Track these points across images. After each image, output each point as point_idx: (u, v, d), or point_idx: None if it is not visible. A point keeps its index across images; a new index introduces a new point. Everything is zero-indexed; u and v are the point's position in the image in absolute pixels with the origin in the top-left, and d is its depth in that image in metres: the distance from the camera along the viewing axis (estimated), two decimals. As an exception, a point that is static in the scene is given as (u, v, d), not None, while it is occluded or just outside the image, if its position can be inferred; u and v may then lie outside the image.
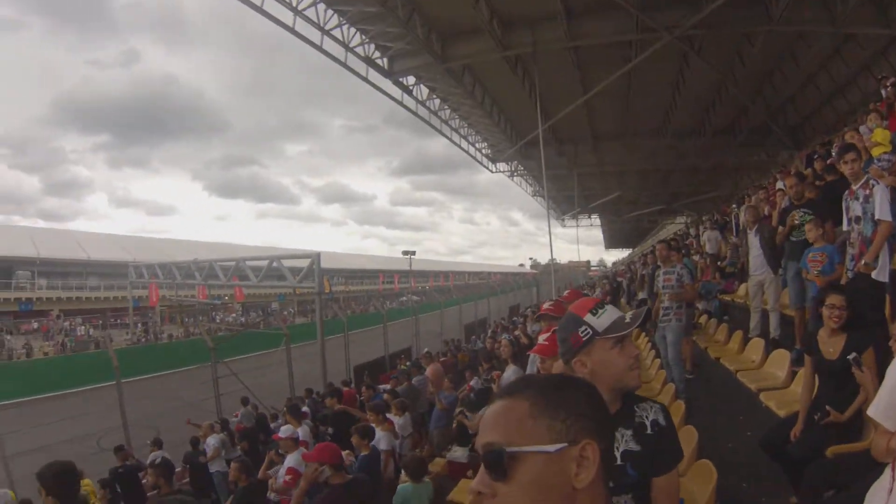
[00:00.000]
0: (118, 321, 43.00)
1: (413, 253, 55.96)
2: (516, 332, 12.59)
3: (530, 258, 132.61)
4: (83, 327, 41.59)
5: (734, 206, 15.95)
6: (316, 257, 16.87)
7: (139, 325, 41.87)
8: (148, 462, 9.26)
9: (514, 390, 0.98)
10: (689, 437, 3.78)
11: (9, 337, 36.87)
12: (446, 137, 26.08)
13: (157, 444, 10.09)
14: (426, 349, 13.36)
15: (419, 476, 5.65)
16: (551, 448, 0.88)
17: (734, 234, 11.83)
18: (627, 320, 1.84)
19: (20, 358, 32.02)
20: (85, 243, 47.69)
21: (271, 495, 6.33)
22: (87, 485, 8.30)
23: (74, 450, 12.41)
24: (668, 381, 6.30)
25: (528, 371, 4.98)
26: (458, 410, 8.22)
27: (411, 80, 20.02)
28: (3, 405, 11.10)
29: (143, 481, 9.02)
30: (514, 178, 33.82)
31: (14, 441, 10.97)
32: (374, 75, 17.98)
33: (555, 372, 2.62)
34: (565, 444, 0.89)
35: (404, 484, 5.67)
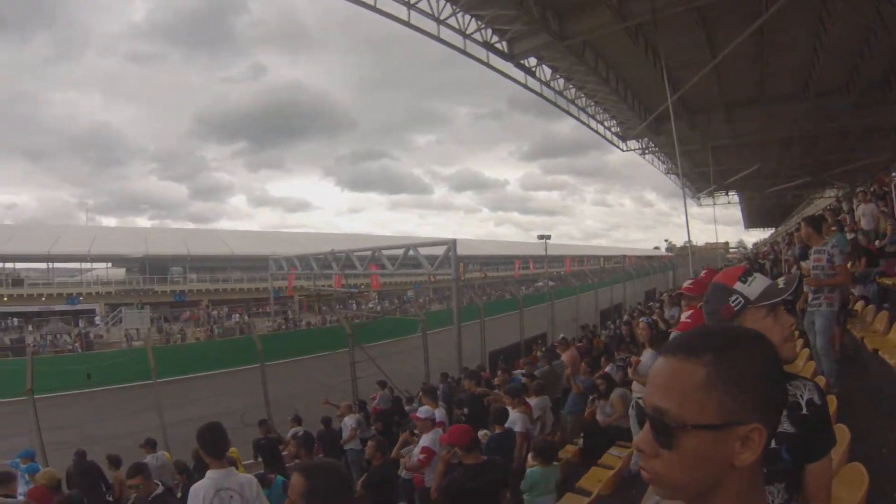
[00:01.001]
0: (260, 310, 45.97)
1: (548, 237, 55.15)
2: (653, 317, 11.98)
3: (665, 240, 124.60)
4: (237, 315, 45.07)
5: (894, 174, 13.92)
6: (452, 244, 16.91)
7: (279, 313, 44.29)
8: (289, 435, 9.71)
9: (692, 350, 0.92)
10: (840, 437, 3.23)
11: (167, 324, 40.69)
12: (574, 117, 25.25)
13: (297, 420, 10.53)
14: (561, 335, 13.01)
15: (549, 460, 5.55)
16: (719, 425, 0.87)
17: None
18: (781, 286, 1.66)
19: (176, 342, 35.11)
20: (229, 240, 51.94)
21: (402, 473, 6.51)
22: (233, 452, 8.86)
23: (221, 423, 13.22)
24: (818, 373, 5.54)
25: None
26: (591, 398, 7.99)
27: (533, 61, 19.44)
28: (162, 382, 11.97)
29: (284, 453, 9.46)
30: (646, 156, 32.19)
31: (171, 412, 11.91)
32: (494, 60, 17.70)
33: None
34: (734, 423, 0.88)
35: (533, 467, 5.52)
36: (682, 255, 44.25)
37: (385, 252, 21.88)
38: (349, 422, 9.78)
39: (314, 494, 2.04)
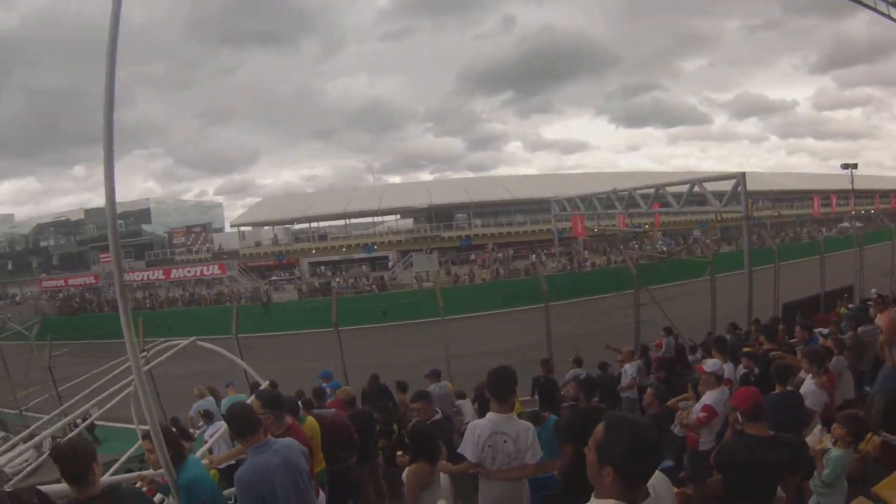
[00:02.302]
0: (544, 251, 46.95)
1: (854, 166, 46.74)
2: None
3: None
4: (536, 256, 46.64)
5: None
6: (740, 177, 15.28)
7: (563, 254, 44.63)
8: (569, 377, 9.52)
9: None
10: None
11: (454, 266, 43.81)
12: (869, 8, 20.28)
13: (577, 362, 10.25)
14: (874, 290, 10.62)
15: (857, 439, 4.31)
16: None
17: None
18: None
19: (464, 283, 37.40)
20: (509, 185, 53.86)
21: (676, 429, 5.84)
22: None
23: (500, 359, 13.63)
24: None
25: None
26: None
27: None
28: (449, 318, 12.66)
29: (562, 393, 9.30)
30: None
31: (456, 346, 12.61)
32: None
33: None
34: None
35: (836, 450, 4.21)
36: None
37: (669, 189, 20.43)
38: (630, 370, 9.28)
39: (610, 447, 1.90)
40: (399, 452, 5.22)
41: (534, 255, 46.78)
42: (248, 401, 4.66)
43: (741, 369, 7.17)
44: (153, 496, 3.90)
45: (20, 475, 4.44)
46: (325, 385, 9.24)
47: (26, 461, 7.10)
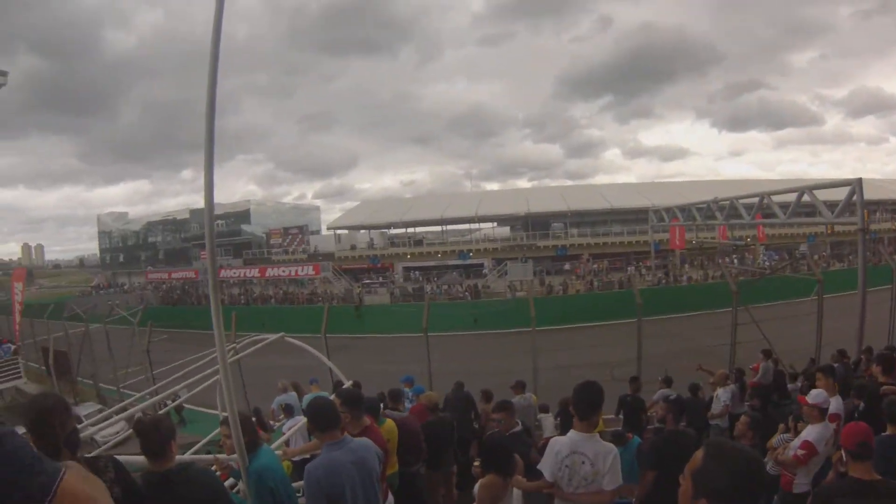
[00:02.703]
0: (639, 263, 45.74)
1: None
2: None
3: None
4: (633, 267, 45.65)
5: None
6: (856, 184, 14.05)
7: (660, 267, 43.26)
8: (656, 397, 9.24)
9: None
10: None
11: (548, 276, 43.44)
12: None
13: (667, 381, 9.92)
14: None
15: None
16: None
17: None
18: None
19: (557, 293, 36.94)
20: (607, 194, 52.88)
21: (768, 462, 5.30)
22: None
23: (588, 374, 13.43)
24: None
25: None
26: None
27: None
28: (540, 329, 12.61)
29: (649, 413, 9.07)
30: None
31: (544, 358, 12.55)
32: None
33: None
34: None
35: None
36: None
37: (775, 198, 19.22)
38: (723, 395, 8.80)
39: (709, 478, 1.77)
40: (476, 463, 5.25)
41: (631, 267, 45.69)
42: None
43: (849, 403, 6.42)
44: (226, 479, 4.11)
45: (108, 444, 4.87)
46: (407, 389, 9.51)
47: (117, 433, 7.70)
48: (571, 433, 3.70)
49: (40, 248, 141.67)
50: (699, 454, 1.84)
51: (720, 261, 37.54)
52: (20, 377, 19.79)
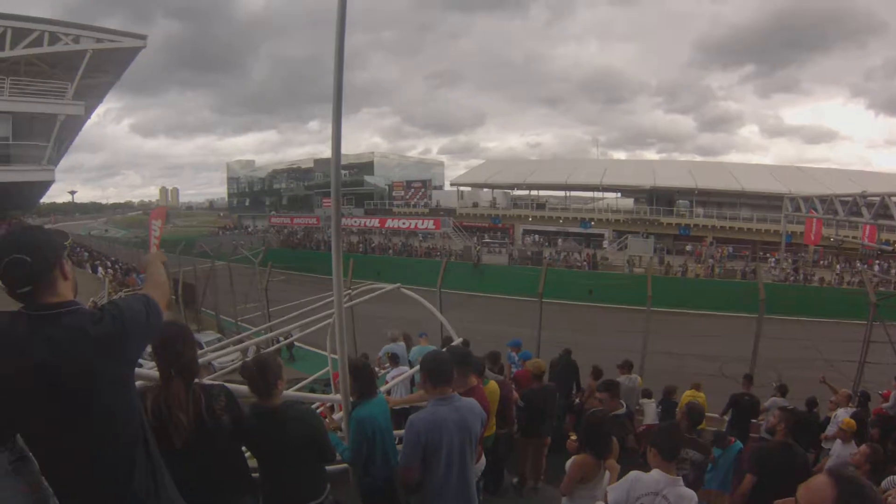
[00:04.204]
0: (767, 255, 42.54)
1: None
2: None
3: None
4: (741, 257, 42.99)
5: None
6: None
7: (789, 262, 39.88)
8: (768, 405, 8.91)
9: None
10: None
11: (668, 255, 42.22)
12: None
13: (781, 390, 9.41)
14: None
15: None
16: None
17: None
18: None
19: (676, 275, 35.87)
20: (739, 174, 49.44)
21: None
22: (702, 397, 8.91)
23: (696, 365, 13.22)
24: None
25: None
26: None
27: None
28: (654, 310, 12.32)
29: (754, 421, 8.81)
30: None
31: (655, 341, 12.24)
32: None
33: None
34: None
35: None
36: None
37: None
38: (842, 416, 7.69)
39: None
40: (572, 436, 5.30)
41: (761, 256, 42.26)
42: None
43: None
44: (326, 418, 4.19)
45: (224, 370, 5.46)
46: (514, 354, 9.75)
47: (232, 361, 8.46)
48: (655, 472, 3.36)
49: (176, 191, 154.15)
50: (827, 487, 1.69)
51: (861, 265, 33.95)
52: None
